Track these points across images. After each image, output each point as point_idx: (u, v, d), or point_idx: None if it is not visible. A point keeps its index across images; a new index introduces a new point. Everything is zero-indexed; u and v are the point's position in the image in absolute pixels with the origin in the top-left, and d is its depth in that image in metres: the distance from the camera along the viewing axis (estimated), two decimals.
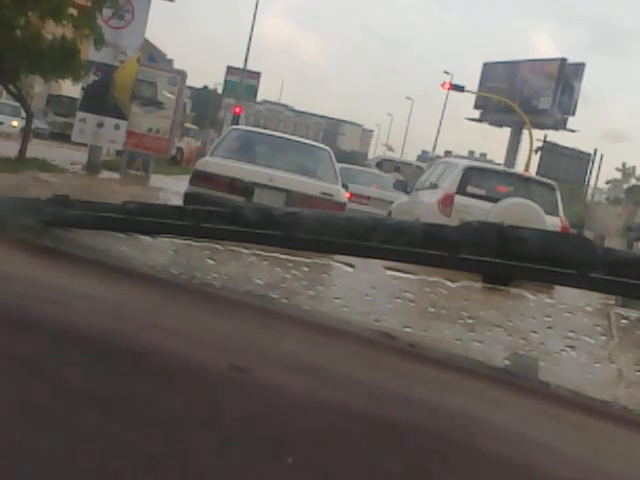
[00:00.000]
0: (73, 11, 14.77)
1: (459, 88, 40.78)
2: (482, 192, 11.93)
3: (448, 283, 1.16)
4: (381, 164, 24.47)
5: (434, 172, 13.49)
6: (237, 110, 35.91)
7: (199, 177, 10.20)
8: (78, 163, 18.86)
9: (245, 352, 0.86)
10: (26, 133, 16.30)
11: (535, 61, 59.91)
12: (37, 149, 17.44)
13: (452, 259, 1.01)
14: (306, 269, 1.24)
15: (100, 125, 18.15)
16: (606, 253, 0.99)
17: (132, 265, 1.19)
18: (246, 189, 10.04)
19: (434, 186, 12.51)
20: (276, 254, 1.17)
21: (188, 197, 1.24)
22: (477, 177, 12.21)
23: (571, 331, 1.22)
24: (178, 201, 2.07)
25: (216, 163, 10.45)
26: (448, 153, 47.15)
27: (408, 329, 1.21)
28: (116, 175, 18.91)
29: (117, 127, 18.32)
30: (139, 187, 15.94)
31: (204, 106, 61.09)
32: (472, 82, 51.03)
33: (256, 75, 52.57)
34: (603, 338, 1.20)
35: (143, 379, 0.74)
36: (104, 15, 17.22)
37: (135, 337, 0.81)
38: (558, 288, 1.06)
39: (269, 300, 1.21)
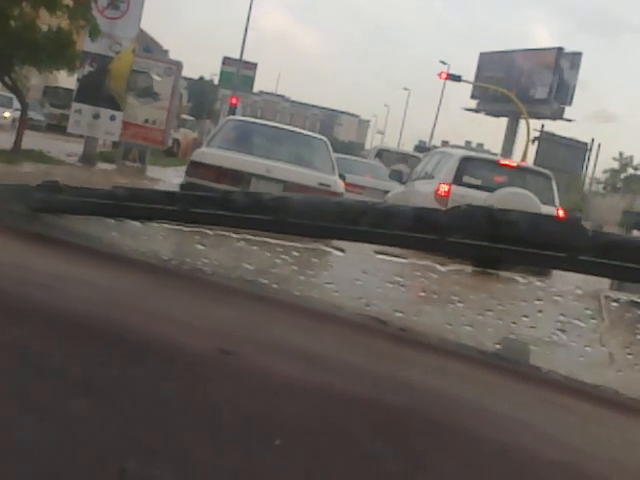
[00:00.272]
0: (68, 2, 14.62)
1: (456, 78, 40.72)
2: (478, 182, 11.98)
3: (438, 267, 1.16)
4: (380, 155, 24.22)
5: (429, 162, 13.51)
6: (234, 101, 35.83)
7: (195, 168, 10.15)
8: (74, 155, 18.70)
9: (235, 336, 0.86)
10: (21, 125, 16.06)
11: (532, 50, 59.61)
12: (33, 141, 17.31)
13: (442, 243, 1.01)
14: (296, 254, 1.23)
15: (96, 116, 17.98)
16: (596, 236, 1.00)
17: (122, 251, 1.19)
18: (243, 180, 9.97)
19: (430, 176, 12.54)
20: (266, 239, 1.17)
21: (184, 188, 1.36)
22: (473, 167, 12.25)
23: (562, 314, 1.22)
24: None
25: (212, 154, 10.38)
26: (445, 143, 47.16)
27: (399, 314, 1.20)
28: (112, 167, 18.72)
29: (113, 118, 18.13)
30: (135, 178, 15.85)
31: (200, 97, 61.05)
32: (468, 73, 50.86)
33: (252, 66, 52.43)
34: (594, 321, 1.20)
35: (133, 364, 0.74)
36: (99, 5, 17.10)
37: (125, 323, 0.81)
38: (548, 271, 1.07)
39: (259, 285, 1.21)
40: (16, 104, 26.24)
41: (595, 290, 1.19)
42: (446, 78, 41.08)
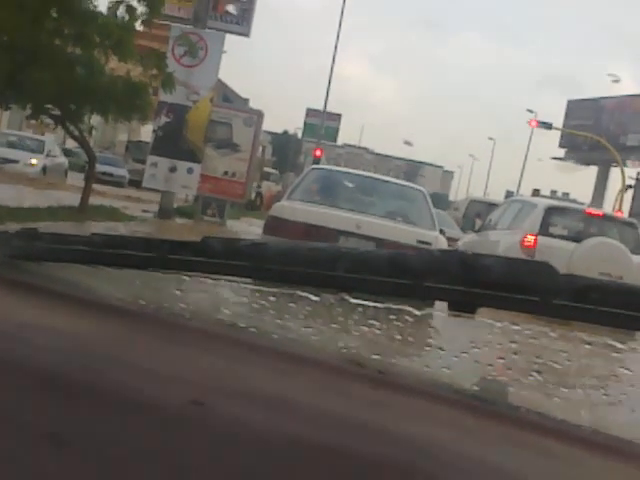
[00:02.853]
0: (143, 46, 13.49)
1: (546, 125, 39.44)
2: (564, 232, 11.87)
3: (414, 311, 1.16)
4: (471, 206, 22.65)
5: (507, 211, 13.24)
6: (318, 153, 35.20)
7: (274, 224, 8.72)
8: (150, 210, 17.63)
9: (208, 385, 0.86)
10: (89, 179, 14.69)
11: (621, 97, 57.79)
12: (107, 200, 16.33)
13: (417, 287, 1.01)
14: (273, 299, 1.24)
15: (172, 169, 17.03)
16: (570, 280, 1.01)
17: (100, 297, 1.19)
18: (329, 238, 8.33)
19: (511, 226, 12.24)
20: (243, 284, 1.18)
21: None
22: (558, 217, 12.14)
23: (537, 357, 1.23)
24: None
25: (293, 208, 8.96)
26: (536, 192, 45.40)
27: (376, 356, 1.21)
28: (189, 222, 17.59)
29: (190, 171, 17.13)
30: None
31: (284, 151, 60.70)
32: (554, 121, 49.21)
33: (337, 117, 51.96)
34: (568, 363, 1.22)
35: (102, 416, 0.74)
36: (176, 53, 16.13)
37: (97, 373, 0.82)
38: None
39: (237, 330, 1.22)
40: (51, 150, 24.69)
41: (569, 332, 1.19)
42: (536, 126, 39.79)
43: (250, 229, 17.14)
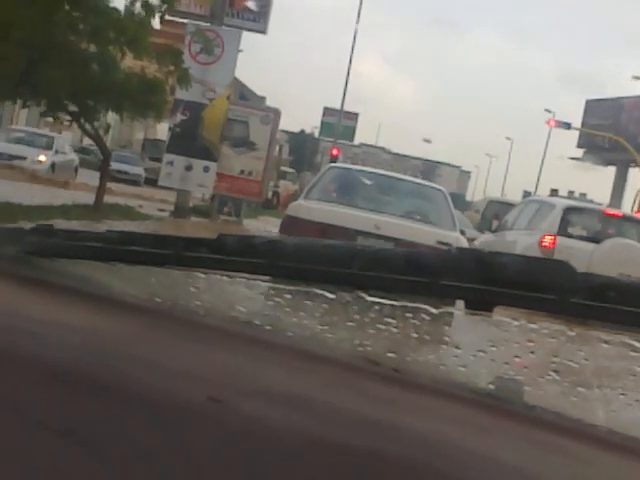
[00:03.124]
0: (158, 44, 13.41)
1: (565, 125, 39.09)
2: (583, 233, 11.78)
3: (430, 309, 1.16)
4: (490, 206, 22.49)
5: (524, 212, 13.15)
6: (335, 152, 35.17)
7: (290, 224, 8.51)
8: (166, 209, 17.62)
9: (225, 383, 0.86)
10: (103, 177, 14.58)
11: None
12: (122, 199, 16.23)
13: (434, 285, 1.01)
14: (289, 296, 1.24)
15: (188, 168, 16.87)
16: (586, 278, 1.00)
17: (115, 294, 1.18)
18: (346, 238, 8.09)
19: (529, 226, 12.17)
20: (259, 282, 1.18)
21: None
22: (577, 217, 12.06)
23: (554, 356, 1.22)
24: None
25: (310, 207, 8.71)
26: (554, 192, 45.14)
27: (392, 355, 1.20)
28: (205, 221, 17.51)
29: (206, 169, 16.98)
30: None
31: (301, 150, 60.61)
32: (572, 121, 48.81)
33: (354, 116, 51.85)
34: (585, 362, 1.20)
35: (119, 413, 0.74)
36: (192, 50, 16.05)
37: (111, 370, 0.81)
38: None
39: (253, 327, 1.21)
40: (60, 147, 24.08)
41: (586, 331, 1.18)
42: (555, 126, 39.46)
43: (267, 228, 17.01)
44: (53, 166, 23.34)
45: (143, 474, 0.68)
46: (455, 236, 8.62)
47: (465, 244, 8.80)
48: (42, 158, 23.11)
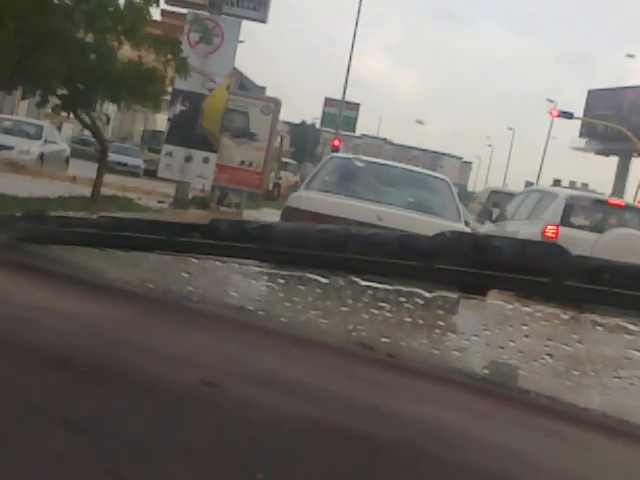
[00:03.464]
0: (156, 34, 13.28)
1: (568, 115, 38.90)
2: (586, 222, 11.81)
3: (424, 293, 1.15)
4: (492, 196, 22.38)
5: (525, 201, 13.08)
6: (336, 143, 35.06)
7: (291, 215, 8.22)
8: (165, 201, 17.51)
9: (219, 367, 0.86)
10: (100, 169, 14.24)
11: None
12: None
13: (428, 269, 1.01)
14: (282, 281, 1.23)
15: (188, 159, 16.73)
16: (581, 261, 1.00)
17: (108, 280, 1.19)
18: None
19: (531, 216, 12.11)
20: (252, 267, 1.17)
21: None
22: (580, 207, 12.05)
23: (549, 339, 1.21)
24: None
25: (311, 198, 8.45)
26: (557, 182, 45.01)
27: (386, 339, 1.20)
28: (205, 212, 17.10)
29: (206, 160, 16.84)
30: None
31: (302, 141, 60.44)
32: (574, 111, 48.70)
33: (355, 106, 51.69)
34: (580, 345, 1.19)
35: (114, 398, 0.74)
36: (191, 40, 15.95)
37: (107, 356, 0.81)
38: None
39: (246, 313, 1.21)
40: (50, 136, 22.94)
41: (581, 314, 1.15)
42: (557, 116, 39.28)
43: (268, 220, 16.94)
44: (42, 156, 22.38)
45: (138, 458, 0.68)
46: (460, 227, 8.34)
47: None
48: (30, 148, 22.07)
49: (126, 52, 13.44)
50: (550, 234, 11.26)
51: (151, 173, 23.97)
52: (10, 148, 21.40)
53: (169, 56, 13.12)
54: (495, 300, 1.12)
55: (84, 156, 26.31)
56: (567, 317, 1.19)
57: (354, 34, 39.75)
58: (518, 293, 1.05)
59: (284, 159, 38.47)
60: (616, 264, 1.01)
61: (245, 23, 18.18)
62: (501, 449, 0.80)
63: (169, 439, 0.70)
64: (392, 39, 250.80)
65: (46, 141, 22.87)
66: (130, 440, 0.70)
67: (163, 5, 17.30)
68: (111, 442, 0.69)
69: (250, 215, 17.80)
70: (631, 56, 53.73)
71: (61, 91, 12.79)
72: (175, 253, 1.17)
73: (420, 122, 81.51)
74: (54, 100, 13.19)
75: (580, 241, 10.68)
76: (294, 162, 43.53)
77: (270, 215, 17.09)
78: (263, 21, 18.72)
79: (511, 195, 18.80)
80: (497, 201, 18.30)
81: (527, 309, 1.20)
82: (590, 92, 60.34)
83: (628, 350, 1.17)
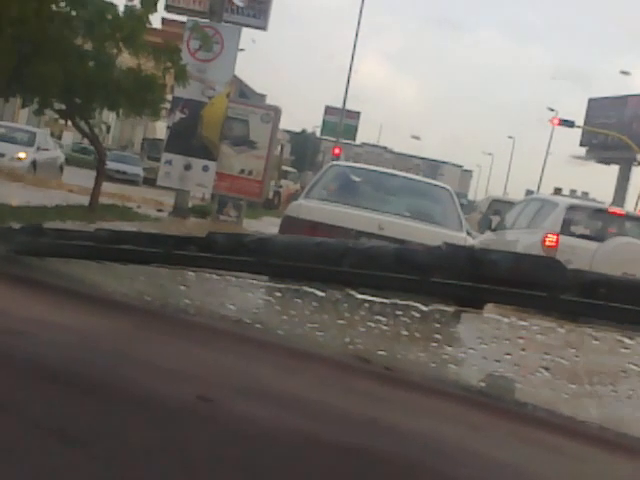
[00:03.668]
0: (155, 41, 13.23)
1: (569, 123, 38.90)
2: (586, 231, 11.72)
3: (421, 307, 1.15)
4: (493, 205, 22.29)
5: (524, 210, 13.05)
6: (336, 151, 35.14)
7: (290, 224, 8.07)
8: (164, 209, 17.35)
9: (215, 381, 0.86)
10: (98, 177, 13.94)
11: None
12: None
13: (424, 283, 1.01)
14: (278, 294, 1.24)
15: (187, 167, 16.51)
16: (577, 275, 1.00)
17: (105, 293, 1.19)
18: (349, 239, 7.90)
19: (531, 225, 12.07)
20: (248, 280, 1.17)
21: None
22: (580, 216, 11.99)
23: (545, 353, 1.22)
24: None
25: (311, 207, 8.31)
26: (558, 190, 44.96)
27: (382, 352, 1.20)
28: (204, 221, 17.10)
29: (206, 169, 16.62)
30: None
31: (303, 149, 60.50)
32: (575, 119, 48.74)
33: (355, 114, 51.76)
34: (576, 359, 1.20)
35: (109, 412, 0.74)
36: (191, 47, 15.91)
37: (104, 369, 0.81)
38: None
39: (243, 325, 1.21)
40: (43, 143, 22.19)
41: (577, 328, 1.16)
42: (558, 124, 39.24)
43: (268, 229, 16.86)
44: (34, 164, 21.37)
45: (133, 472, 0.67)
46: (462, 237, 8.18)
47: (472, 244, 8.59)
48: (22, 155, 21.08)
49: (125, 60, 13.38)
50: (550, 243, 11.21)
51: (151, 181, 23.62)
52: (1, 155, 20.72)
53: (168, 64, 13.05)
54: (492, 314, 1.13)
55: (84, 164, 26.16)
56: (563, 331, 1.19)
57: (354, 42, 39.88)
58: (514, 307, 1.05)
59: (284, 167, 38.41)
60: (612, 278, 1.01)
61: (246, 31, 18.20)
62: (498, 462, 0.80)
63: (163, 453, 0.70)
64: (392, 47, 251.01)
65: (39, 148, 22.09)
66: (126, 453, 0.69)
67: (164, 14, 17.36)
68: (108, 455, 0.69)
69: (250, 224, 17.75)
70: (626, 73, 53.92)
71: (59, 99, 12.71)
72: (172, 266, 1.17)
73: (416, 137, 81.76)
74: (52, 108, 13.12)
75: (580, 250, 10.71)
76: (294, 170, 43.52)
77: (270, 224, 17.03)
78: (263, 28, 18.71)
79: (512, 204, 18.79)
80: (498, 209, 18.28)
81: (523, 323, 1.20)
82: (591, 100, 60.32)
83: (624, 363, 1.17)
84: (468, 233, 9.00)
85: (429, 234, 7.68)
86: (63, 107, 13.17)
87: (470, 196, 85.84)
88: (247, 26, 18.22)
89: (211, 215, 17.87)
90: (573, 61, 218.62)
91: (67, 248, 1.18)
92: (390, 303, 1.15)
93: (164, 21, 20.29)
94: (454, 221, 8.67)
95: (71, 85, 11.94)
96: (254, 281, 1.19)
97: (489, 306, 1.06)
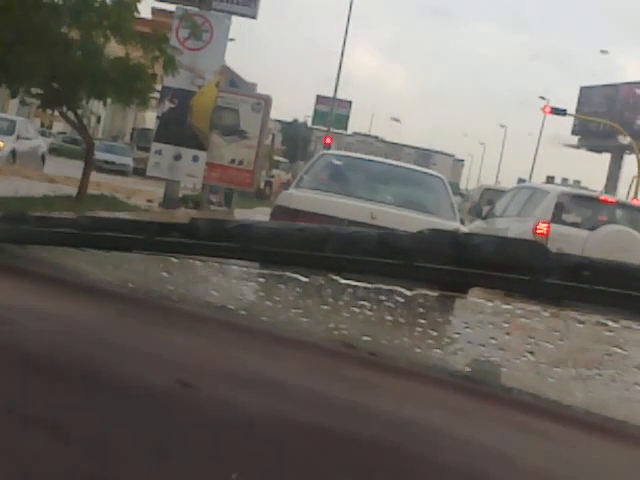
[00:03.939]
0: (143, 30, 13.10)
1: (560, 111, 38.83)
2: (577, 220, 11.68)
3: (405, 291, 1.15)
4: (485, 194, 22.25)
5: (515, 198, 12.99)
6: (328, 140, 35.09)
7: (281, 214, 7.87)
8: (154, 200, 17.16)
9: (196, 367, 0.85)
10: (86, 167, 13.74)
11: (635, 83, 57.18)
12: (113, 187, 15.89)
13: (408, 268, 1.00)
14: (262, 280, 1.24)
15: (177, 157, 16.39)
16: (561, 258, 1.00)
17: (88, 280, 1.18)
18: None
19: (522, 213, 12.00)
20: (232, 266, 1.17)
21: None
22: (571, 204, 11.94)
23: (530, 337, 1.22)
24: None
25: (302, 197, 8.18)
26: (550, 179, 44.99)
27: (367, 338, 1.20)
28: (195, 212, 16.73)
29: (196, 159, 16.50)
30: None
31: (294, 139, 60.34)
32: (566, 108, 48.69)
33: (347, 104, 51.69)
34: (561, 342, 1.20)
35: (89, 398, 0.74)
36: (180, 36, 15.80)
37: (88, 356, 0.81)
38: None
39: (227, 312, 1.21)
40: (23, 132, 21.36)
41: (561, 311, 1.16)
42: (550, 112, 39.15)
43: (256, 217, 16.76)
44: (14, 153, 20.54)
45: (115, 458, 0.67)
46: (456, 226, 8.05)
47: None
48: (0, 144, 20.06)
49: (113, 49, 13.27)
50: (541, 231, 11.17)
51: (140, 172, 23.55)
52: None
53: (157, 53, 12.93)
54: (476, 298, 1.12)
55: (75, 155, 25.94)
56: (548, 314, 1.18)
57: (346, 31, 39.86)
58: (499, 291, 1.04)
59: (276, 157, 38.35)
60: (596, 261, 1.01)
61: (236, 20, 18.05)
62: (484, 447, 0.80)
63: (146, 439, 0.70)
64: (384, 37, 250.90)
65: (19, 137, 21.17)
66: (108, 440, 0.69)
67: (153, 3, 17.21)
68: (88, 442, 0.69)
69: (241, 214, 17.67)
70: (604, 52, 54.25)
71: (44, 88, 12.55)
72: (155, 252, 1.16)
73: (396, 119, 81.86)
74: (37, 97, 12.96)
75: (572, 238, 10.68)
76: (286, 160, 43.47)
77: (262, 214, 16.92)
78: (253, 17, 18.54)
79: (504, 192, 18.77)
80: (490, 198, 18.25)
81: (508, 306, 1.19)
82: (582, 89, 60.37)
83: (609, 347, 1.17)
84: (462, 221, 8.93)
85: (422, 223, 7.46)
86: (48, 96, 12.98)
87: (462, 185, 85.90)
88: (237, 14, 18.01)
89: (201, 205, 17.74)
90: (569, 51, 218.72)
91: (49, 235, 1.17)
92: (374, 288, 1.14)
93: (154, 11, 20.12)
94: (447, 210, 8.59)
95: (56, 74, 11.80)
96: (237, 267, 1.18)
97: (473, 290, 1.06)
